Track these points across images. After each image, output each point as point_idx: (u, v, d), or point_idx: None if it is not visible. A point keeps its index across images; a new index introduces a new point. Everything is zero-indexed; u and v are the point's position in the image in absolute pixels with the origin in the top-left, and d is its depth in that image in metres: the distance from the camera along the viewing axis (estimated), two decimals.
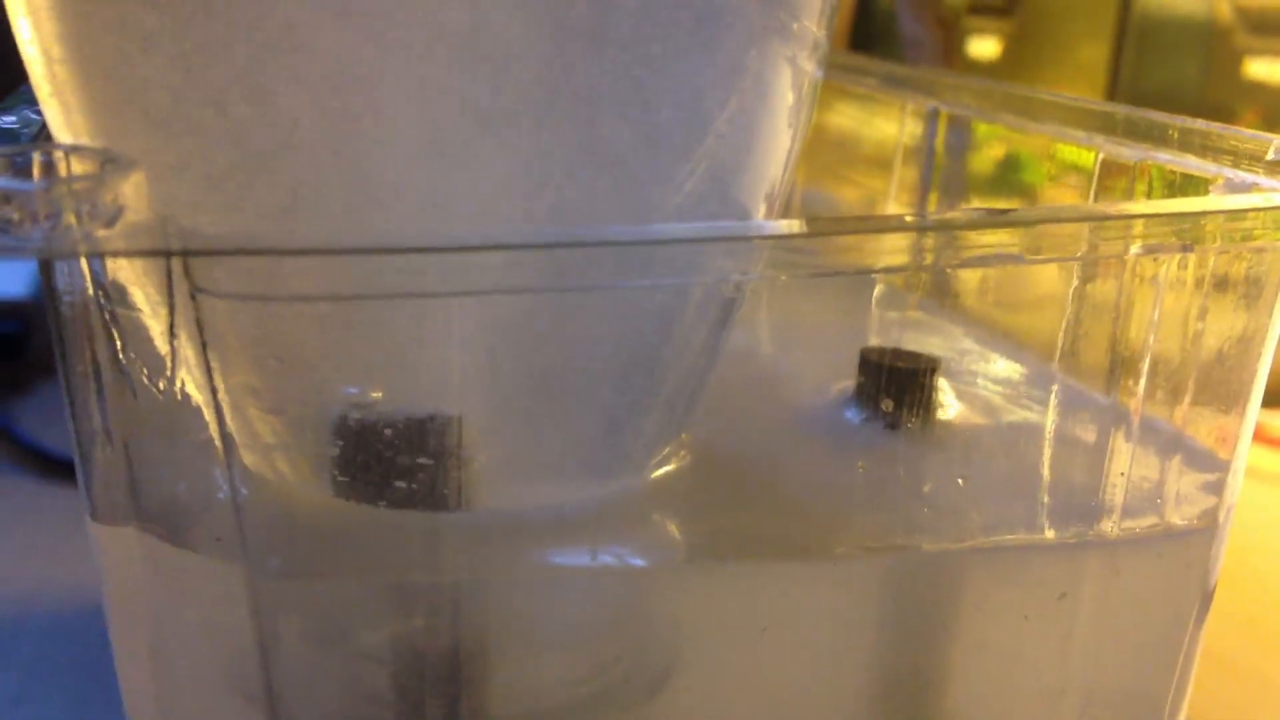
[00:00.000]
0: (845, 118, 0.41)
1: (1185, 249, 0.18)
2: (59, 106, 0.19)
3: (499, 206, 0.18)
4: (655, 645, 0.20)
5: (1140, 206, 0.18)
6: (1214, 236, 0.18)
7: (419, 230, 0.18)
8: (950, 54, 0.61)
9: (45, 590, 0.35)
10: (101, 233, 0.15)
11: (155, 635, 0.19)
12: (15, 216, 0.14)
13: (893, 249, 0.16)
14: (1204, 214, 0.17)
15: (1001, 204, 0.36)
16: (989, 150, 0.65)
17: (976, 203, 0.36)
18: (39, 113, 0.21)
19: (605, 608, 0.19)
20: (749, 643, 0.20)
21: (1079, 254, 0.17)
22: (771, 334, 0.27)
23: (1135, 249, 0.17)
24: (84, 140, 0.19)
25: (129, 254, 0.15)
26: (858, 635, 0.20)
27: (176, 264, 0.15)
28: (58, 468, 0.43)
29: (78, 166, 0.15)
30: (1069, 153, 0.66)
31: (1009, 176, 0.65)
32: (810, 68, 0.20)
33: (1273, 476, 0.47)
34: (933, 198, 0.36)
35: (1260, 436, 0.49)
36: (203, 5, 0.16)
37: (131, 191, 0.15)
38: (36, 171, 0.16)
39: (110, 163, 0.15)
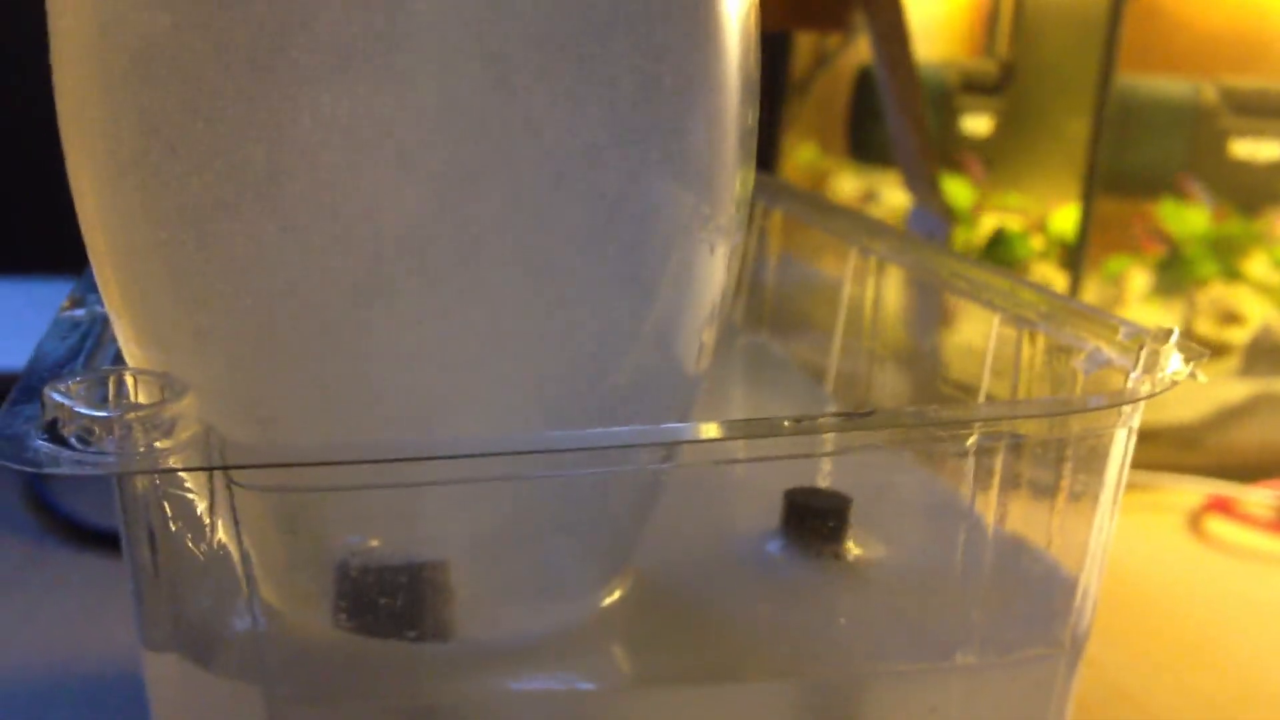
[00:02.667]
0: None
1: (1015, 438, 0.22)
2: (117, 318, 0.24)
3: (489, 390, 0.22)
4: None
5: (974, 410, 0.22)
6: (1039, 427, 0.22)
7: (417, 421, 0.23)
8: (927, 150, 0.65)
9: (79, 658, 0.37)
10: (161, 444, 0.19)
11: None
12: (97, 431, 0.19)
13: (777, 449, 0.21)
14: (1025, 416, 0.22)
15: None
16: (981, 227, 0.69)
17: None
18: (102, 302, 0.26)
19: None
20: None
21: (931, 443, 0.22)
22: (707, 474, 0.31)
23: (972, 440, 0.22)
24: (137, 334, 0.24)
25: (185, 470, 0.19)
26: None
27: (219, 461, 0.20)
28: (91, 538, 0.45)
29: (143, 389, 0.20)
30: (1058, 227, 0.70)
31: (997, 252, 0.69)
32: (728, 241, 0.25)
33: (1246, 552, 0.50)
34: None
35: (1232, 513, 0.53)
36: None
37: (185, 408, 0.20)
38: (112, 389, 0.20)
39: (169, 387, 0.20)
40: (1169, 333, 0.24)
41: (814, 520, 0.28)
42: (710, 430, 0.21)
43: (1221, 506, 0.53)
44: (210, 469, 0.19)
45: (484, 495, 0.23)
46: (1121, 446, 0.24)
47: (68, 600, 0.41)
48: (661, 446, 0.21)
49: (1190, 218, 0.67)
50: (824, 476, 0.30)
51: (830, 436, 0.21)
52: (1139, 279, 0.67)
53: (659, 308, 0.24)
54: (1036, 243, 0.69)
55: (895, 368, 0.41)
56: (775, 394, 0.42)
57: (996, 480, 0.24)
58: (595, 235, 0.22)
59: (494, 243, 0.22)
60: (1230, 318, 0.66)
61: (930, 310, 0.42)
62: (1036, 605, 0.26)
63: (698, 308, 0.24)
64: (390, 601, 0.23)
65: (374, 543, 0.24)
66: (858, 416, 0.21)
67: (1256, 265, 0.67)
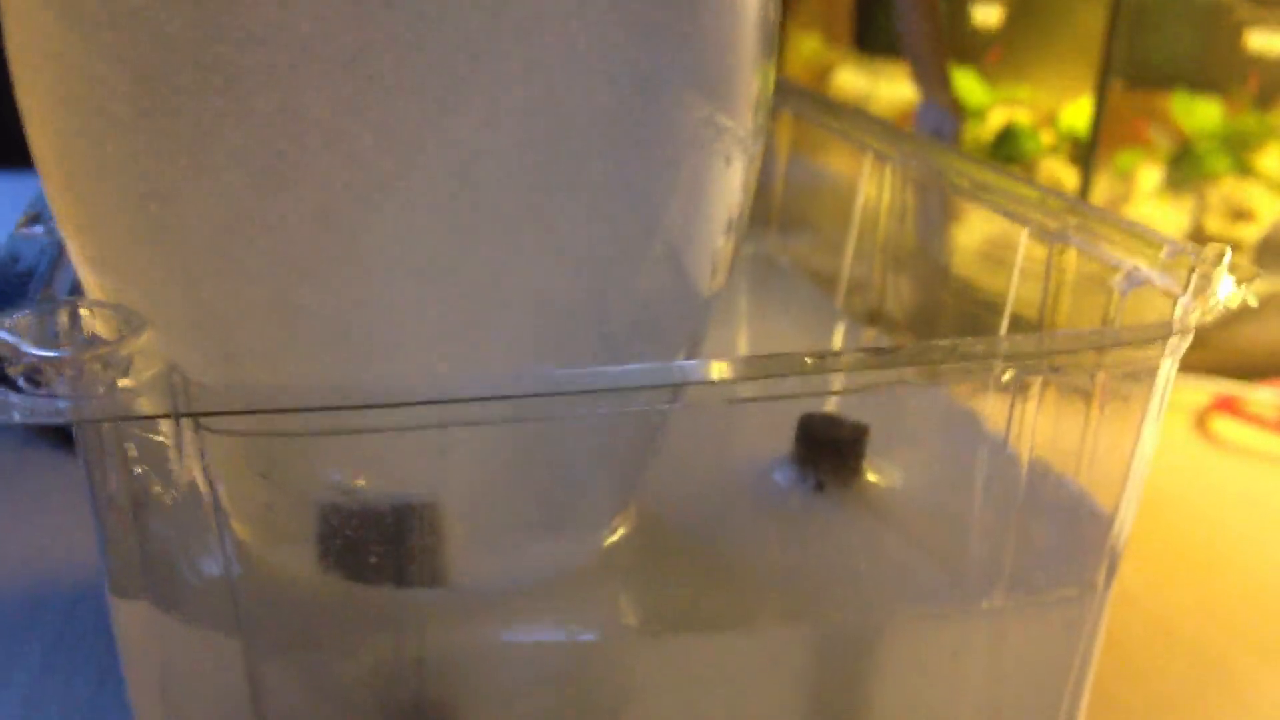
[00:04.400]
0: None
1: (1053, 370, 0.21)
2: (71, 237, 0.22)
3: (482, 315, 0.20)
4: (602, 706, 0.23)
5: (1009, 344, 0.20)
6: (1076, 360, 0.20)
7: (397, 351, 0.21)
8: (938, 41, 0.62)
9: (70, 563, 0.36)
10: (121, 383, 0.17)
11: (165, 693, 0.22)
12: (49, 372, 0.17)
13: (794, 388, 0.19)
14: (1061, 350, 0.20)
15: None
16: (990, 122, 0.67)
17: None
18: None
19: (557, 673, 0.22)
20: (687, 701, 0.23)
21: (962, 378, 0.20)
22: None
23: (1009, 376, 0.20)
24: (90, 257, 0.22)
25: (147, 417, 0.17)
26: (782, 691, 0.23)
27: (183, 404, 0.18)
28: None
29: (99, 322, 0.18)
30: (1069, 122, 0.67)
31: (1005, 147, 0.67)
32: (745, 153, 0.23)
33: (1250, 452, 0.49)
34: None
35: (1239, 412, 0.52)
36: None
37: (143, 345, 0.18)
38: (64, 324, 0.18)
39: (126, 323, 0.18)
40: (1221, 254, 0.22)
41: (830, 450, 0.26)
42: (724, 370, 0.19)
43: (1228, 406, 0.53)
44: (175, 416, 0.17)
45: (475, 437, 0.21)
46: (1165, 377, 0.22)
47: (56, 505, 0.40)
48: (672, 387, 0.19)
49: (1202, 112, 0.65)
50: (840, 402, 0.28)
51: (853, 374, 0.19)
52: (1149, 175, 0.65)
53: (668, 223, 0.21)
54: (1046, 137, 0.67)
55: (908, 275, 0.39)
56: (783, 308, 0.40)
57: (1031, 416, 0.22)
58: (598, 144, 0.20)
59: (486, 156, 0.19)
60: (1241, 214, 0.65)
61: (938, 212, 0.40)
62: (1069, 544, 0.24)
63: (711, 223, 0.22)
64: (375, 546, 0.21)
65: (359, 482, 0.22)
66: (884, 353, 0.19)
67: (1269, 160, 0.65)
